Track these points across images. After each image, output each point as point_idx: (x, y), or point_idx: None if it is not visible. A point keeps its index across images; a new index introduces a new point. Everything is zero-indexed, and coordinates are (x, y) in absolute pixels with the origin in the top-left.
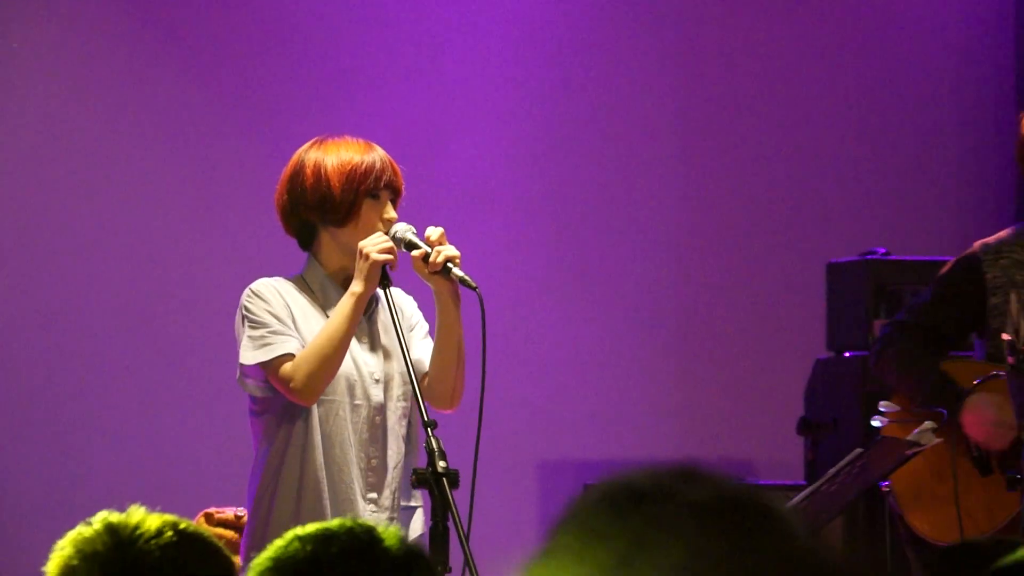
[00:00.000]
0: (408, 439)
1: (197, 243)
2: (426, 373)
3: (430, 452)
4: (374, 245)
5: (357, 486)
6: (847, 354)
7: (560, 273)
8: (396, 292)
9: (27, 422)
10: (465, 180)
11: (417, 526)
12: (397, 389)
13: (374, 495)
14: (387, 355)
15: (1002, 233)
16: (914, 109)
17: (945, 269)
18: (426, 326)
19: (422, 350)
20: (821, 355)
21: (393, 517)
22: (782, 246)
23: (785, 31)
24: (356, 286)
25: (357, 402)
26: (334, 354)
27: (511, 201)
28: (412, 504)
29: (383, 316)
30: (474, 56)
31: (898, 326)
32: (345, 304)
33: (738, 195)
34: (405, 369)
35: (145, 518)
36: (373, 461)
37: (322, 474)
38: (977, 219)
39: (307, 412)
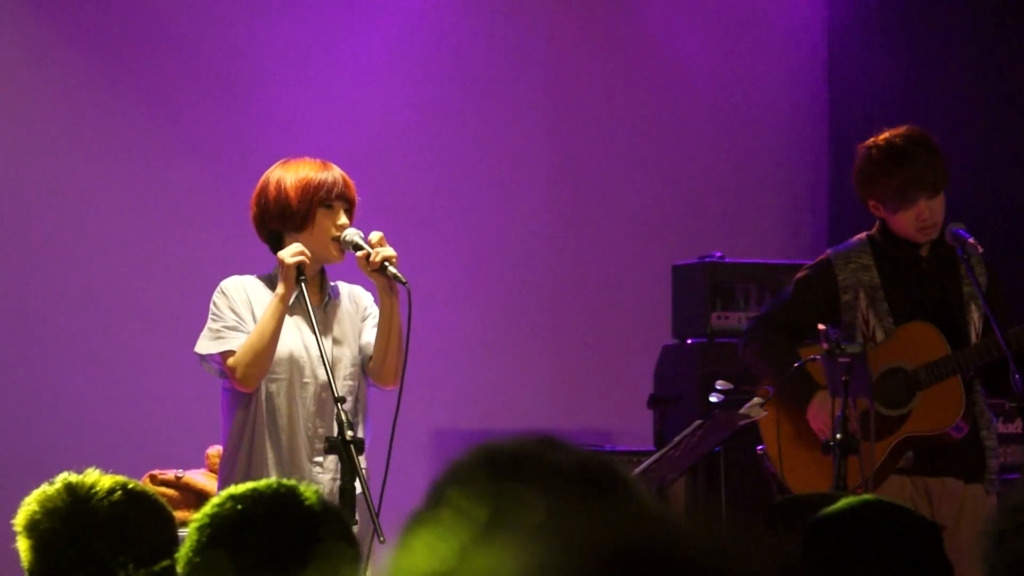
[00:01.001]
0: (355, 412)
1: (185, 243)
2: (371, 355)
3: (339, 423)
4: (287, 252)
5: (304, 451)
6: (689, 341)
7: (448, 269)
8: (356, 288)
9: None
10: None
11: (357, 485)
12: (344, 370)
13: (320, 459)
14: (336, 341)
15: (849, 242)
16: (746, 142)
17: (802, 273)
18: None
19: (372, 335)
20: (668, 342)
21: (336, 477)
22: (636, 250)
23: (644, 64)
24: (279, 289)
25: (305, 380)
26: (264, 347)
27: (391, 199)
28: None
29: (338, 309)
30: (349, 57)
31: (763, 319)
32: (270, 304)
33: (601, 207)
34: (350, 353)
35: (99, 479)
36: (320, 430)
37: (270, 441)
38: (795, 229)
39: (263, 389)
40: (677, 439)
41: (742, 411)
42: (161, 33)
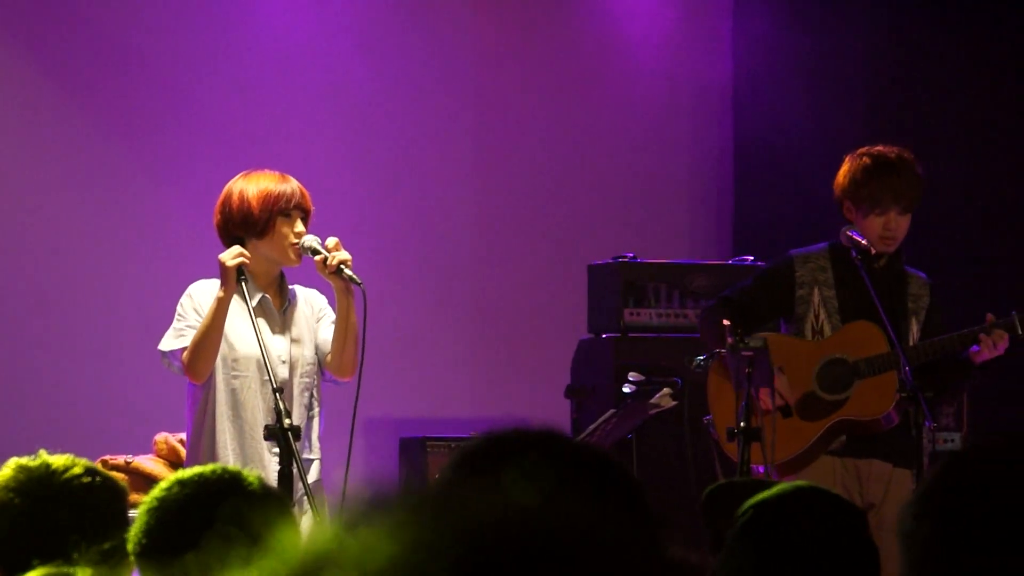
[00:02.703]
0: (310, 406)
1: (141, 243)
2: (329, 351)
3: (278, 412)
4: (227, 255)
5: (264, 443)
6: (604, 335)
7: (380, 268)
8: (311, 291)
9: None
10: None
11: (314, 473)
12: (301, 368)
13: (278, 449)
14: (295, 342)
15: (812, 247)
16: (657, 153)
17: (765, 265)
18: (332, 315)
19: (328, 334)
20: (584, 336)
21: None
22: (555, 251)
23: (564, 79)
24: (219, 291)
25: (265, 378)
26: (206, 343)
27: (321, 203)
28: (311, 456)
29: (296, 311)
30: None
31: (723, 300)
32: (211, 305)
33: (522, 211)
34: (308, 352)
35: (52, 458)
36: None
37: (232, 430)
38: (702, 232)
39: (227, 385)
40: (592, 427)
41: (653, 401)
42: (121, 46)
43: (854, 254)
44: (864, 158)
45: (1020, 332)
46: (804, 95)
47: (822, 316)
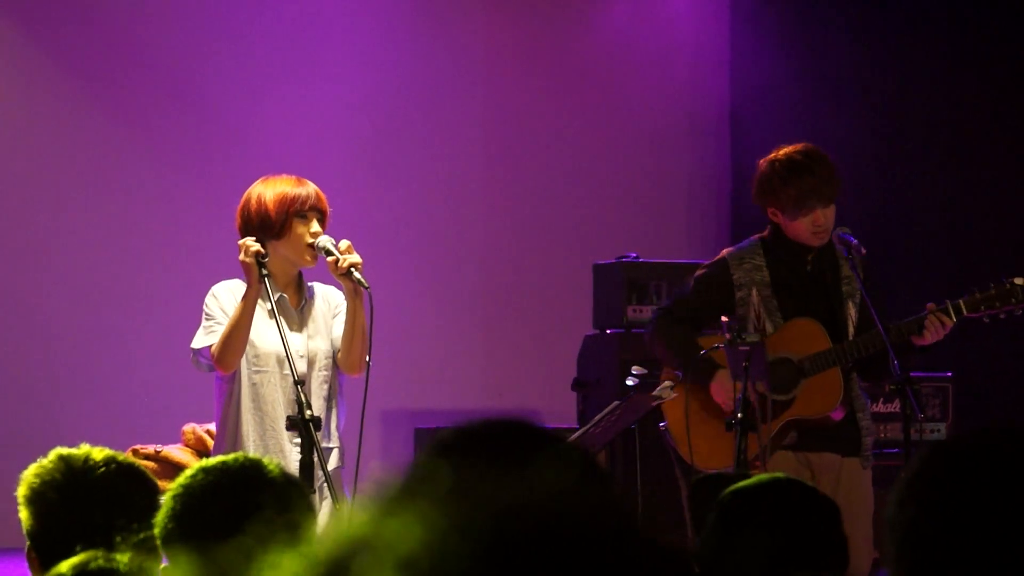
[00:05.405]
0: (329, 396)
1: (165, 244)
2: (339, 348)
3: (299, 403)
4: (241, 255)
5: (285, 434)
6: (608, 331)
7: (396, 267)
8: (330, 288)
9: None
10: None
11: (333, 461)
12: (320, 362)
13: (299, 440)
14: (312, 337)
15: (743, 244)
16: (658, 160)
17: (701, 270)
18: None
19: (341, 330)
20: (589, 332)
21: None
22: (562, 251)
23: (572, 90)
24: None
25: (285, 372)
26: (233, 336)
27: (343, 206)
28: (331, 445)
29: (313, 308)
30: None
31: (665, 312)
32: (240, 300)
33: (532, 214)
34: (325, 347)
35: (91, 451)
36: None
37: (254, 423)
38: (700, 233)
39: (249, 380)
40: (597, 418)
41: (655, 393)
42: (144, 52)
43: (846, 254)
44: (775, 164)
45: (955, 318)
46: (800, 104)
47: (763, 316)
